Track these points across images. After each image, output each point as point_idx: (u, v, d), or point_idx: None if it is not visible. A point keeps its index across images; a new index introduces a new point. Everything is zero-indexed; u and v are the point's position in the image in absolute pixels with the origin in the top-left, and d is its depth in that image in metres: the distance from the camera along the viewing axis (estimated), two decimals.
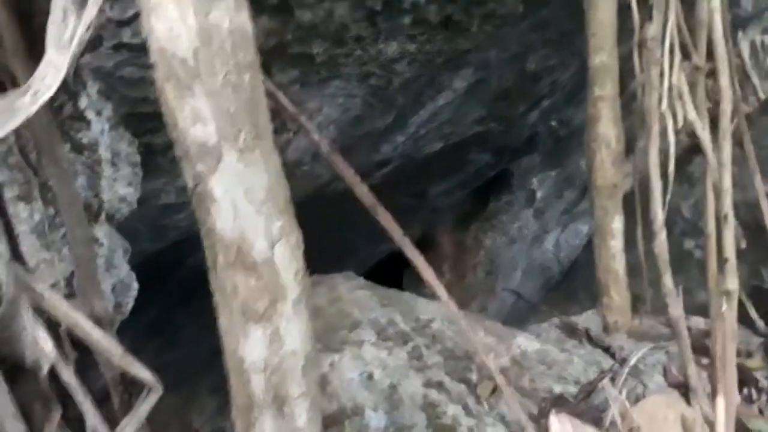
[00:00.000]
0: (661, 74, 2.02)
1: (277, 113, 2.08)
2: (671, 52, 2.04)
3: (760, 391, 2.19)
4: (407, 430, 2.01)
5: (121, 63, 1.91)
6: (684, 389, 2.05)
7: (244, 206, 1.16)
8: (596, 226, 2.52)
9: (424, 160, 3.67)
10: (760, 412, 2.12)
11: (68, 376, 1.33)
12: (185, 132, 1.11)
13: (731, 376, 1.92)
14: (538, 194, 4.94)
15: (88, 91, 1.88)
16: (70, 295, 1.79)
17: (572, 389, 2.18)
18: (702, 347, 2.14)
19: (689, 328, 2.18)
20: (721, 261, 1.87)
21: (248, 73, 1.13)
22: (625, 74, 2.42)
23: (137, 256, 2.18)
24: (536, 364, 2.32)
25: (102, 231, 1.97)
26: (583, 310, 2.89)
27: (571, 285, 4.86)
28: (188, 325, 3.12)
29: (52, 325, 1.38)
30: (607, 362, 2.33)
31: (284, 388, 1.27)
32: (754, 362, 2.33)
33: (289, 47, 2.18)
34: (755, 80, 4.06)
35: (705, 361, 2.13)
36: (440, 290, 1.66)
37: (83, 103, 1.87)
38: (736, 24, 3.77)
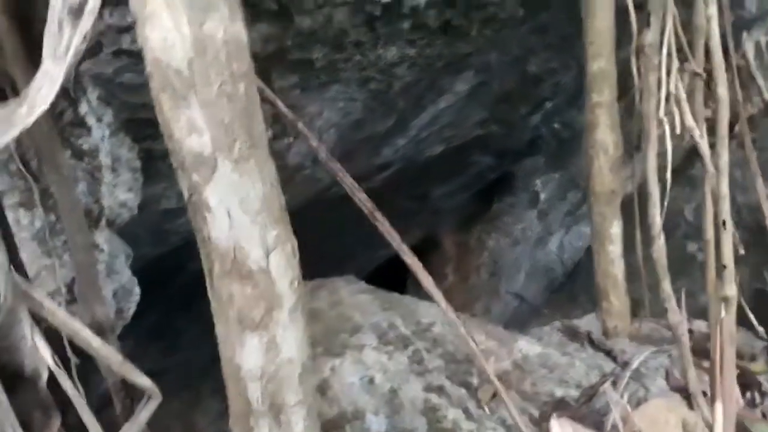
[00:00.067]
0: (659, 80, 2.02)
1: (277, 118, 2.09)
2: (669, 58, 2.05)
3: (763, 394, 2.18)
4: None
5: (120, 69, 1.91)
6: (686, 393, 2.05)
7: (239, 216, 1.16)
8: (595, 231, 2.53)
9: (425, 163, 3.67)
10: (764, 415, 2.11)
11: (67, 384, 1.34)
12: (181, 142, 1.12)
13: (730, 382, 1.91)
14: (542, 196, 4.93)
15: (88, 98, 1.89)
16: (71, 301, 1.80)
17: (574, 393, 2.17)
18: (704, 350, 2.13)
19: (691, 332, 2.18)
20: (720, 267, 1.87)
21: (243, 83, 1.13)
22: (627, 78, 2.42)
23: (139, 261, 2.19)
24: (538, 368, 2.32)
25: (103, 237, 1.98)
26: (586, 312, 2.89)
27: (575, 287, 4.86)
28: (190, 329, 3.12)
29: (52, 333, 1.39)
30: (608, 366, 2.32)
31: (281, 395, 1.27)
32: (758, 366, 2.32)
33: (288, 53, 2.19)
34: (760, 81, 4.04)
35: (707, 364, 2.12)
36: (438, 296, 1.66)
37: (83, 109, 1.88)
38: (740, 25, 3.75)
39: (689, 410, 2.01)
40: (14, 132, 1.04)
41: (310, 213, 2.69)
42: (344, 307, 2.51)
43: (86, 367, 1.58)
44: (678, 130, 1.96)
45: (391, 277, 3.56)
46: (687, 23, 2.11)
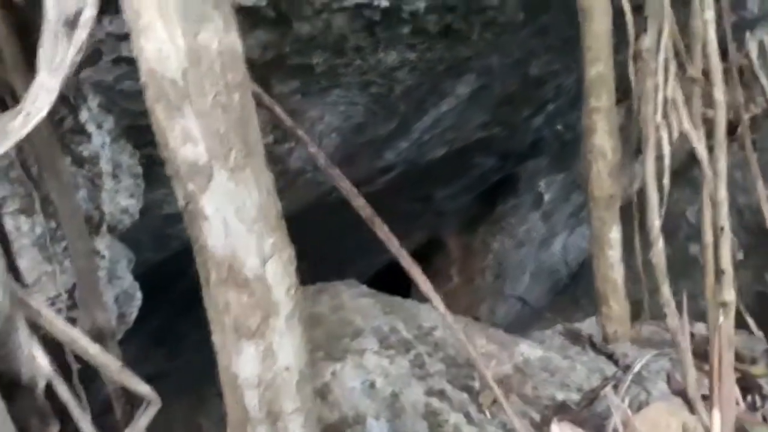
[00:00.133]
0: (656, 85, 2.02)
1: (277, 124, 2.10)
2: (666, 63, 2.04)
3: (764, 398, 2.18)
4: None
5: (120, 77, 1.92)
6: (687, 397, 2.04)
7: (235, 224, 1.17)
8: (594, 236, 2.52)
9: (427, 166, 3.67)
10: (764, 419, 2.11)
11: (65, 392, 1.34)
12: (176, 152, 1.13)
13: (729, 388, 1.91)
14: (546, 197, 4.93)
15: (88, 105, 1.89)
16: (72, 307, 1.81)
17: (575, 396, 2.17)
18: (705, 353, 2.13)
19: (692, 335, 2.18)
20: (718, 272, 1.86)
21: (238, 93, 1.14)
22: (627, 81, 2.42)
23: (140, 266, 2.20)
24: (539, 372, 2.31)
25: (104, 243, 1.99)
26: (588, 315, 2.88)
27: (578, 289, 4.85)
28: (192, 332, 3.13)
29: (50, 341, 1.39)
30: (610, 369, 2.32)
31: (278, 403, 1.28)
32: (759, 369, 2.31)
33: (288, 59, 2.19)
34: (763, 81, 4.03)
35: (708, 367, 2.12)
36: (437, 300, 1.66)
37: (84, 116, 1.89)
38: (742, 26, 3.75)
39: (690, 414, 2.01)
40: (9, 143, 1.05)
41: (311, 217, 2.69)
42: (345, 311, 2.51)
43: (88, 373, 1.59)
44: (676, 135, 1.96)
45: (395, 281, 3.56)
46: (685, 26, 2.11)
